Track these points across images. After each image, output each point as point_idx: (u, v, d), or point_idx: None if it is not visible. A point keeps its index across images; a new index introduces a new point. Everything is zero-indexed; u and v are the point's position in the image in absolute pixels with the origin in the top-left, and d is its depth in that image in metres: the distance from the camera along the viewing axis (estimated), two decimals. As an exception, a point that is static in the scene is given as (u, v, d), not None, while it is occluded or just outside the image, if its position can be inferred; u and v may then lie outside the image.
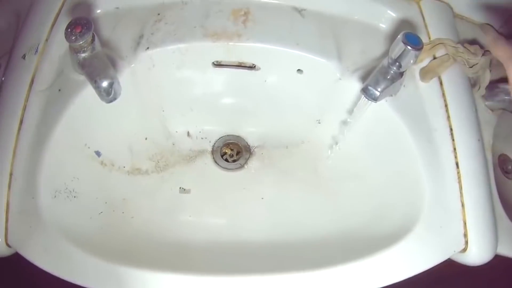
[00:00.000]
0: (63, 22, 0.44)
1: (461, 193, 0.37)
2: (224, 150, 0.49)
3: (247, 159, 0.47)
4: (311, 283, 0.32)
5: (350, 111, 0.42)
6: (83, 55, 0.38)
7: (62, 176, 0.40)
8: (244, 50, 0.41)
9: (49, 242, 0.37)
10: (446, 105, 0.41)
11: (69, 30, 0.36)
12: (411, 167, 0.38)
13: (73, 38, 0.36)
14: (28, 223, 0.38)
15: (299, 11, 0.42)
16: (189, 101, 0.47)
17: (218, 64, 0.42)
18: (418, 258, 0.35)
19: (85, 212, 0.41)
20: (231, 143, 0.49)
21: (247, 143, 0.49)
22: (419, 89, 0.41)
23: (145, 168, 0.47)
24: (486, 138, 0.42)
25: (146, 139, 0.47)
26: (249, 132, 0.49)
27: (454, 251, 0.35)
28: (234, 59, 0.42)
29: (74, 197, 0.42)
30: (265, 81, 0.43)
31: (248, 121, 0.48)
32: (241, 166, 0.47)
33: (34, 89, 0.42)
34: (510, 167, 0.59)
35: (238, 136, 0.49)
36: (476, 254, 0.37)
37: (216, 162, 0.48)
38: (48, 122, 0.40)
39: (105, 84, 0.36)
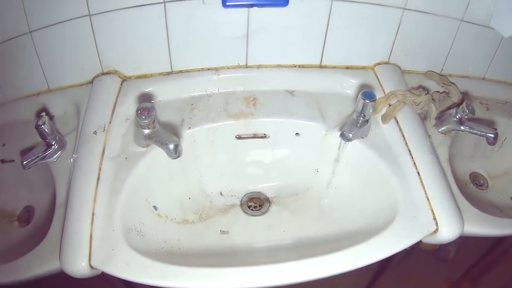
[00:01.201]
0: (119, 108, 0.79)
1: (425, 191, 0.64)
2: (249, 203, 0.77)
3: (268, 207, 0.75)
4: (329, 262, 0.60)
5: (336, 156, 0.72)
6: (147, 131, 0.68)
7: (132, 220, 0.66)
8: (257, 124, 0.73)
9: (130, 259, 0.62)
10: (403, 136, 0.71)
11: (139, 112, 0.66)
12: (386, 182, 0.67)
13: (143, 117, 0.65)
14: (110, 247, 0.63)
15: (290, 92, 0.76)
16: (220, 168, 0.77)
17: (239, 137, 0.74)
18: (402, 239, 0.62)
19: (151, 246, 0.66)
20: (254, 197, 0.78)
21: (266, 196, 0.78)
22: (382, 130, 0.72)
23: (192, 219, 0.74)
24: (443, 155, 0.73)
25: (189, 198, 0.77)
26: (266, 187, 0.79)
27: (428, 231, 0.61)
28: (250, 132, 0.73)
29: (142, 235, 0.67)
30: (274, 145, 0.75)
31: (265, 179, 0.78)
32: (264, 212, 0.75)
33: (106, 156, 0.70)
34: (482, 181, 0.89)
35: (259, 192, 0.78)
36: (446, 232, 0.63)
37: (244, 211, 0.75)
38: (119, 180, 0.68)
39: (172, 146, 0.64)
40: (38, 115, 0.77)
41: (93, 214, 0.67)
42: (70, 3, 0.74)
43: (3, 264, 0.73)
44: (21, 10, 0.77)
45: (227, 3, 0.68)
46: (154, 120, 0.66)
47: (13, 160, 0.92)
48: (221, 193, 0.74)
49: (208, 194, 0.76)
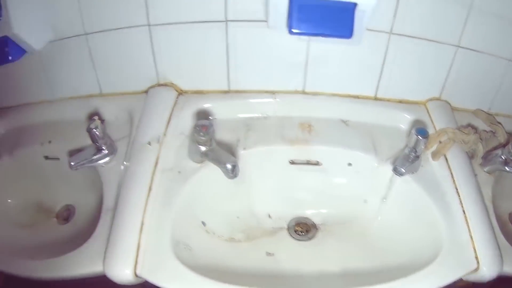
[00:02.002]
0: (174, 121, 0.90)
1: (469, 229, 0.76)
2: (296, 228, 0.88)
3: (314, 233, 0.88)
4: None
5: (386, 189, 0.85)
6: (204, 148, 0.79)
7: (180, 233, 0.78)
8: (310, 151, 0.85)
9: (177, 271, 0.72)
10: (451, 174, 0.84)
11: (197, 128, 0.77)
12: (432, 218, 0.79)
13: (201, 134, 0.76)
14: (158, 257, 0.73)
15: (345, 122, 0.89)
16: (270, 190, 0.88)
17: (292, 162, 0.86)
18: (444, 275, 0.72)
19: (198, 260, 0.77)
20: (302, 222, 0.89)
21: (313, 222, 0.90)
22: (432, 166, 0.85)
23: (238, 238, 0.86)
24: (487, 194, 0.85)
25: (238, 217, 0.89)
26: (314, 214, 0.91)
27: (469, 269, 0.73)
28: (304, 158, 0.86)
29: (189, 249, 0.78)
30: (326, 173, 0.86)
31: (314, 206, 0.90)
32: (310, 238, 0.87)
33: (159, 168, 0.83)
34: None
35: (306, 217, 0.90)
36: (486, 271, 0.74)
37: (291, 235, 0.87)
38: (171, 193, 0.80)
39: (230, 166, 0.76)
40: (91, 118, 0.89)
41: (142, 224, 0.78)
42: (129, 11, 0.87)
43: (44, 260, 0.85)
44: (76, 12, 0.90)
45: (293, 30, 0.77)
46: (211, 138, 0.78)
47: (58, 158, 1.04)
48: (269, 215, 0.88)
49: (257, 215, 0.89)
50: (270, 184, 0.88)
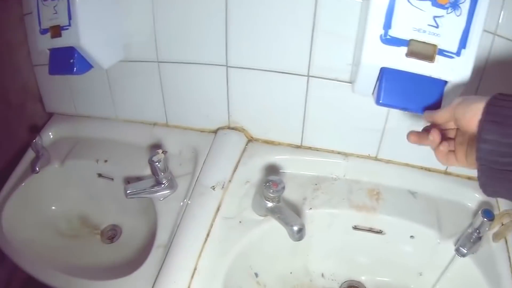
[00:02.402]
0: (241, 169, 0.96)
1: None
2: None
3: None
4: None
5: (443, 266, 0.91)
6: (270, 204, 0.84)
7: (233, 283, 0.84)
8: (376, 220, 0.90)
9: None
10: (509, 257, 0.89)
11: (268, 184, 0.82)
12: None
13: (271, 191, 0.82)
14: None
15: (412, 193, 0.93)
16: (328, 251, 0.94)
17: (355, 228, 0.92)
18: None
19: None
20: (354, 286, 0.94)
21: (366, 287, 0.94)
22: (491, 247, 0.90)
23: None
24: None
25: (291, 273, 0.94)
26: (368, 280, 0.96)
27: None
28: (368, 225, 0.91)
29: None
30: (387, 242, 0.91)
31: (369, 271, 0.95)
32: None
33: (220, 214, 0.88)
34: None
35: (359, 282, 0.95)
36: None
37: None
38: (230, 242, 0.85)
39: (297, 228, 0.81)
40: (155, 149, 0.94)
41: (195, 269, 0.83)
42: (209, 47, 0.93)
43: (80, 278, 0.92)
44: (151, 37, 0.97)
45: (381, 101, 0.80)
46: (280, 195, 0.83)
47: (112, 179, 1.10)
48: (322, 274, 0.93)
49: (310, 273, 0.95)
50: (330, 245, 0.94)
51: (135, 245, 1.06)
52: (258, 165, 0.93)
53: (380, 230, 0.90)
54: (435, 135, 0.65)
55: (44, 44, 1.00)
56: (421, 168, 0.95)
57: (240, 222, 0.87)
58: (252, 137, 0.96)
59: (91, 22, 0.91)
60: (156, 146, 1.01)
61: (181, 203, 0.93)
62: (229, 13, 0.86)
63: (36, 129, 1.22)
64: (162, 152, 0.91)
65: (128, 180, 1.02)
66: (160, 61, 0.97)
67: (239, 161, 0.93)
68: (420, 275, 0.93)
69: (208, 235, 0.87)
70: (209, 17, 0.88)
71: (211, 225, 0.88)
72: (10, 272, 1.75)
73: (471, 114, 0.57)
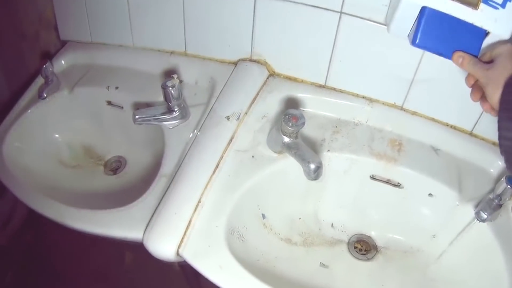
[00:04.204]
0: (259, 102, 0.92)
1: None
2: (356, 245, 0.93)
3: (374, 255, 0.92)
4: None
5: (458, 230, 0.89)
6: (287, 139, 0.81)
7: (238, 221, 0.82)
8: (395, 171, 0.89)
9: (224, 262, 0.74)
10: None
11: (287, 117, 0.79)
12: (499, 274, 0.80)
13: (290, 124, 0.79)
14: (207, 242, 0.76)
15: (435, 150, 0.92)
16: (341, 200, 0.93)
17: (373, 178, 0.90)
18: None
19: (248, 254, 0.81)
20: (363, 241, 0.94)
21: (375, 243, 0.94)
22: (510, 218, 0.87)
23: (295, 241, 0.91)
24: None
25: (299, 218, 0.93)
26: (378, 235, 0.94)
27: None
28: (386, 176, 0.90)
29: (242, 241, 0.83)
30: (403, 197, 0.91)
31: (380, 227, 0.94)
32: (369, 259, 0.91)
33: (232, 147, 0.87)
34: None
35: (369, 237, 0.95)
36: None
37: (350, 251, 0.92)
38: (240, 177, 0.83)
39: (314, 166, 0.78)
40: (169, 75, 0.89)
41: (199, 202, 0.79)
42: None
43: (80, 209, 0.86)
44: None
45: (417, 42, 0.77)
46: (299, 131, 0.80)
47: (122, 107, 1.07)
48: (332, 224, 0.95)
49: (320, 221, 0.94)
50: (343, 193, 0.93)
51: (139, 177, 1.04)
52: (277, 100, 0.91)
53: (398, 183, 0.90)
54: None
55: None
56: (447, 125, 0.93)
57: (253, 156, 0.83)
58: (274, 72, 0.93)
59: None
60: (171, 73, 0.92)
61: (191, 133, 0.91)
62: None
63: (48, 57, 1.19)
64: (177, 78, 0.82)
65: (138, 107, 0.94)
66: None
67: (257, 95, 0.90)
68: (433, 237, 0.92)
69: (217, 167, 0.85)
70: None
71: (221, 157, 0.87)
72: (11, 206, 1.69)
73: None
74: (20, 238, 1.66)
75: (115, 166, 1.10)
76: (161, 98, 0.93)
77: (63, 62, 1.16)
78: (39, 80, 1.13)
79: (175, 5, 0.96)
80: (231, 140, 0.87)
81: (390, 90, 0.92)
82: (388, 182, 0.89)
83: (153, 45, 1.06)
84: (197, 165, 0.84)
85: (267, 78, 0.96)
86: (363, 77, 0.92)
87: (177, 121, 0.92)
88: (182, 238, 0.76)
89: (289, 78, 0.97)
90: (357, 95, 0.94)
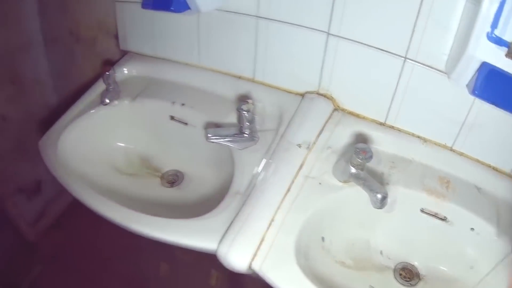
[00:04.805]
0: (325, 134, 1.05)
1: None
2: (401, 272, 1.07)
3: (417, 282, 1.05)
4: None
5: (495, 263, 1.02)
6: (355, 170, 0.96)
7: (303, 240, 0.94)
8: (443, 206, 1.03)
9: (294, 276, 0.84)
10: None
11: (358, 150, 0.94)
12: None
13: (360, 157, 0.95)
14: (279, 257, 0.87)
15: (478, 188, 1.08)
16: (391, 229, 1.07)
17: (422, 211, 1.05)
18: None
19: (311, 272, 0.90)
20: (408, 268, 1.07)
21: (418, 271, 1.07)
22: None
23: (348, 264, 1.05)
24: None
25: (353, 244, 1.06)
26: (422, 264, 1.07)
27: None
28: (434, 210, 1.04)
29: (306, 259, 0.95)
30: (448, 230, 1.05)
31: (424, 256, 1.07)
32: (412, 286, 1.04)
33: (302, 173, 0.92)
34: None
35: (413, 265, 1.08)
36: None
37: (395, 278, 1.06)
38: (308, 201, 0.96)
39: (381, 196, 0.94)
40: (244, 99, 1.01)
41: (272, 220, 0.92)
42: (312, 13, 0.99)
43: (145, 214, 0.93)
44: None
45: (476, 92, 0.89)
46: (366, 163, 0.93)
47: (186, 123, 1.17)
48: (381, 252, 1.09)
49: (371, 247, 1.08)
50: (395, 223, 1.06)
51: (199, 191, 1.12)
52: (341, 134, 1.06)
53: (445, 217, 1.06)
54: None
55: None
56: (489, 166, 1.07)
57: (320, 183, 0.97)
58: (338, 106, 1.06)
59: None
60: (242, 98, 1.12)
61: (262, 155, 1.03)
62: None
63: (108, 64, 1.31)
64: (252, 103, 0.91)
65: (204, 126, 1.04)
66: (260, 17, 1.08)
67: (324, 127, 1.03)
68: (471, 268, 1.05)
69: (288, 190, 0.97)
70: None
71: (292, 181, 1.01)
72: (44, 204, 1.74)
73: None
74: (49, 237, 1.70)
75: (172, 179, 1.18)
76: (228, 120, 1.02)
77: (125, 70, 1.23)
78: (98, 85, 1.19)
79: (248, 31, 1.07)
80: (301, 166, 1.01)
81: (442, 131, 1.07)
82: (435, 215, 1.04)
83: (220, 67, 1.16)
84: (271, 187, 0.97)
85: (332, 112, 1.11)
86: (419, 118, 1.07)
87: (247, 143, 1.02)
88: (256, 252, 0.88)
89: (352, 114, 1.13)
90: (412, 134, 1.09)
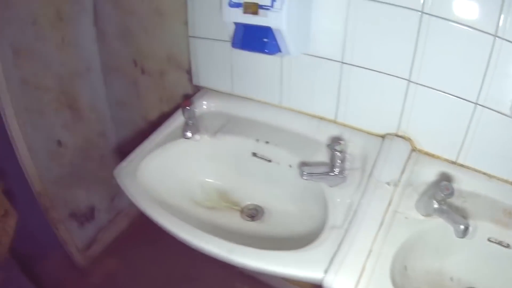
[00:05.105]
0: (407, 173, 1.19)
1: None
2: None
3: None
4: None
5: None
6: (437, 205, 1.11)
7: (393, 269, 1.03)
8: (507, 234, 1.17)
9: None
10: None
11: (442, 187, 1.10)
12: None
13: (445, 193, 1.12)
14: (378, 284, 0.99)
15: None
16: (462, 257, 1.21)
17: (489, 240, 1.21)
18: None
19: None
20: None
21: None
22: None
23: None
24: None
25: (428, 272, 1.21)
26: None
27: None
28: (499, 238, 1.21)
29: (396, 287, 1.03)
30: (508, 258, 1.18)
31: (487, 282, 1.19)
32: None
33: (391, 208, 1.03)
34: None
35: None
36: None
37: None
38: (397, 233, 1.10)
39: (463, 227, 1.10)
40: (336, 140, 1.16)
41: (370, 251, 1.06)
42: (395, 60, 1.13)
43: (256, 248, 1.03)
44: (341, 39, 1.12)
45: None
46: (448, 199, 1.09)
47: (270, 161, 1.29)
48: (451, 278, 1.27)
49: (443, 273, 1.25)
50: (465, 252, 1.21)
51: (282, 224, 1.22)
52: (420, 172, 1.23)
53: (508, 244, 1.11)
54: None
55: (233, 17, 1.12)
56: None
57: (406, 218, 1.08)
58: (415, 147, 1.17)
59: (292, 9, 1.01)
60: (331, 139, 1.21)
61: (353, 192, 1.14)
62: (421, 32, 1.08)
63: (187, 98, 1.43)
64: (344, 144, 1.02)
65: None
66: (344, 62, 1.11)
67: (405, 166, 1.08)
68: None
69: (382, 223, 1.15)
70: (401, 32, 1.10)
71: (384, 216, 1.12)
72: (97, 230, 1.76)
73: None
74: (100, 263, 1.72)
75: (252, 213, 1.27)
76: (314, 158, 1.14)
77: (204, 106, 1.29)
78: (176, 117, 1.25)
79: (332, 75, 1.21)
80: (389, 202, 1.10)
81: (507, 168, 1.22)
82: (500, 243, 1.20)
83: (301, 108, 1.28)
84: (366, 221, 1.10)
85: (411, 152, 1.27)
86: (487, 156, 1.23)
87: (337, 181, 1.13)
88: (358, 280, 1.02)
89: (427, 154, 1.30)
90: (479, 171, 1.26)
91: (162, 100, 1.62)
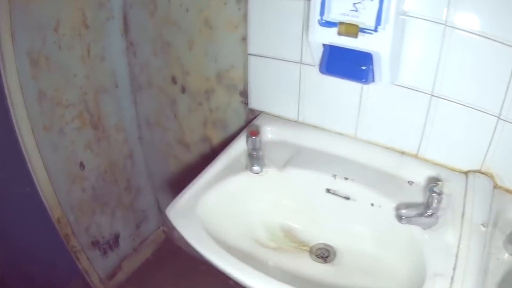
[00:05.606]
0: (492, 212, 1.16)
1: None
2: None
3: None
4: None
5: None
6: None
7: None
8: None
9: None
10: None
11: None
12: None
13: None
14: None
15: None
16: None
17: None
18: None
19: None
20: None
21: None
22: None
23: None
24: None
25: None
26: None
27: None
28: None
29: None
30: None
31: None
32: None
33: (486, 250, 1.01)
34: None
35: None
36: None
37: None
38: (495, 276, 1.08)
39: None
40: (434, 180, 1.13)
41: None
42: (486, 97, 1.08)
43: None
44: (432, 72, 1.08)
45: None
46: None
47: (348, 198, 1.15)
48: None
49: None
50: None
51: (359, 267, 1.09)
52: (505, 211, 1.11)
53: None
54: None
55: (323, 38, 0.98)
56: None
57: (497, 259, 1.00)
58: (497, 184, 1.13)
59: (396, 31, 0.98)
60: (430, 179, 1.16)
61: (450, 236, 1.08)
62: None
63: (252, 127, 1.27)
64: (442, 185, 0.98)
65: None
66: (433, 95, 1.04)
67: (491, 205, 1.05)
68: None
69: (483, 268, 1.07)
70: (495, 68, 1.03)
71: (484, 260, 1.12)
72: (119, 261, 1.60)
73: None
74: None
75: (321, 253, 1.14)
76: (398, 197, 1.04)
77: (269, 135, 1.13)
78: (235, 147, 1.09)
79: (420, 108, 1.10)
80: (485, 245, 1.05)
81: None
82: None
83: (380, 140, 1.16)
84: (470, 267, 1.03)
85: (493, 190, 1.25)
86: None
87: (430, 222, 1.06)
88: None
89: (507, 190, 1.28)
90: None
91: (207, 124, 1.43)
